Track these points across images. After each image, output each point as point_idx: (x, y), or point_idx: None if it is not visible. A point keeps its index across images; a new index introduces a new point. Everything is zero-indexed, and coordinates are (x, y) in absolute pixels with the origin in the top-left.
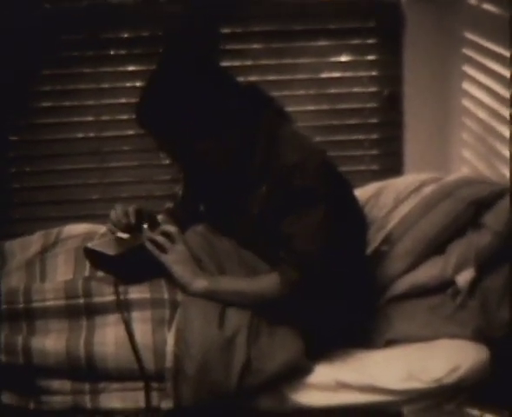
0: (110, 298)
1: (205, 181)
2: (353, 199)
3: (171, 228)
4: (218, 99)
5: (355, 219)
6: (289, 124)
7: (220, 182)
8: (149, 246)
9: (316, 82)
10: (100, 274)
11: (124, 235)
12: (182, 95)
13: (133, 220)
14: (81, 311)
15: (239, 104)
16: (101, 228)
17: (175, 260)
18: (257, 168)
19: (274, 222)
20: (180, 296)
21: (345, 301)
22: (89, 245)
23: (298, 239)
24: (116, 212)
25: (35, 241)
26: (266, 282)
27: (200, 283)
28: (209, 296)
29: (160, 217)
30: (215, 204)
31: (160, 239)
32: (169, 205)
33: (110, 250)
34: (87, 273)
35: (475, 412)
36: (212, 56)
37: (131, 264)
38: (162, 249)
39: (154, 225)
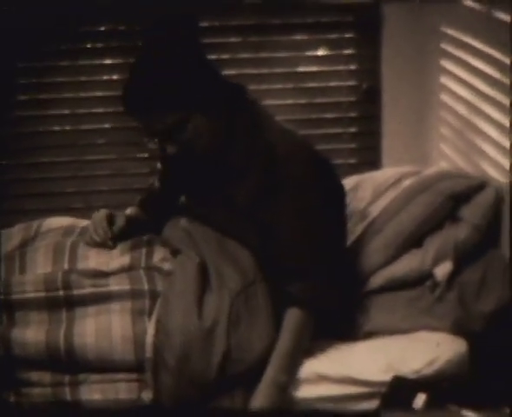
0: (89, 290)
1: (190, 169)
2: (340, 185)
3: None
4: (203, 75)
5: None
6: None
7: (205, 168)
8: None
9: (293, 75)
10: (79, 266)
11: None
12: (169, 72)
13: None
14: (61, 303)
15: (223, 86)
16: (82, 222)
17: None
18: (241, 156)
19: (264, 213)
20: (160, 286)
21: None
22: None
23: (299, 256)
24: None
25: (14, 235)
26: (295, 325)
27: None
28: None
29: (129, 210)
30: (198, 194)
31: None
32: (142, 197)
33: None
34: (66, 266)
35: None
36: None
37: None
38: None
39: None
